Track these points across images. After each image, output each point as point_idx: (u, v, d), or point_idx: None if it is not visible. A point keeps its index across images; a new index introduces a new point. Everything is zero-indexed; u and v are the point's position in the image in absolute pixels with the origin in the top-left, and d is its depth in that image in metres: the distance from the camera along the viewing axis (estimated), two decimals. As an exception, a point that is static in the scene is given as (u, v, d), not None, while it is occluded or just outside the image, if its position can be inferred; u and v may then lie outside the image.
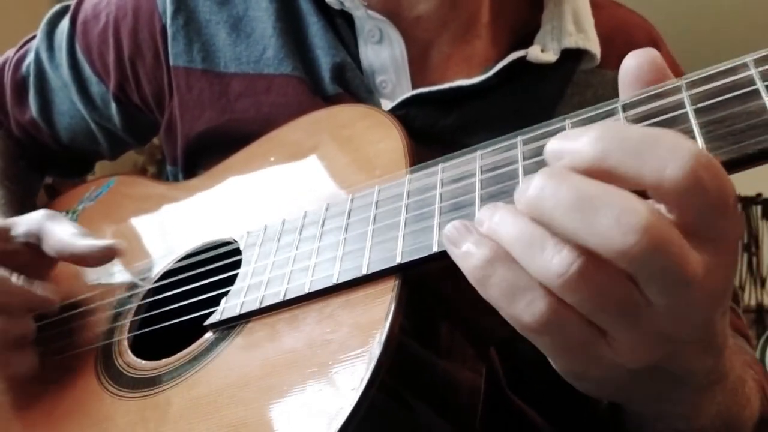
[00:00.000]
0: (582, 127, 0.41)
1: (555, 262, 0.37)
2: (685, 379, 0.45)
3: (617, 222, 0.35)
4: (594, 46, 0.73)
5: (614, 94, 0.75)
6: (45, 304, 0.67)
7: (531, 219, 0.39)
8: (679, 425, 0.51)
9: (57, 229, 0.67)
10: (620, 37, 0.78)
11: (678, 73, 0.79)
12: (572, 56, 0.73)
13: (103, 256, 0.65)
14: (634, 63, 0.44)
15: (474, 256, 0.41)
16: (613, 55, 0.76)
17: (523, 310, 0.39)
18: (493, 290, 0.40)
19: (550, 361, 0.45)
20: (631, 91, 0.44)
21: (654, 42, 0.81)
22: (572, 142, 0.39)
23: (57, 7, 0.92)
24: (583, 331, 0.40)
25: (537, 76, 0.73)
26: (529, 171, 0.47)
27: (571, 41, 0.72)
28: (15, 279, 0.64)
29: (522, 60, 0.71)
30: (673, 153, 0.36)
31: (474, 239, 0.41)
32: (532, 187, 0.38)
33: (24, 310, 0.65)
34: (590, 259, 0.37)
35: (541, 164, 0.46)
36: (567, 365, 0.44)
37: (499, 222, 0.41)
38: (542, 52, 0.72)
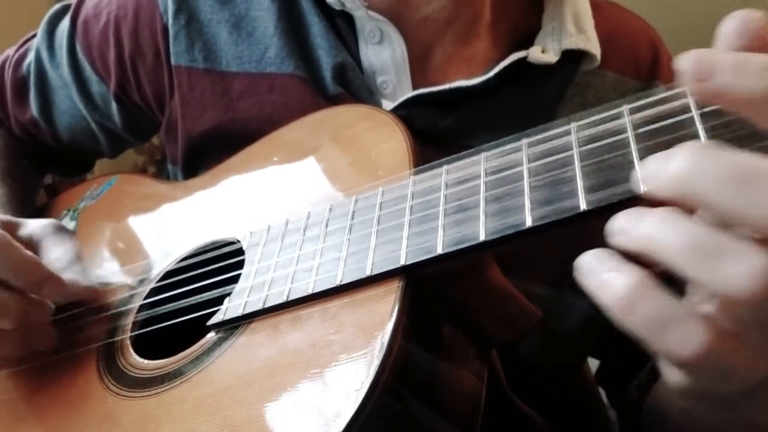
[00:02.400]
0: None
1: (744, 268, 0.33)
2: None
3: None
4: (594, 47, 0.73)
5: (615, 95, 0.76)
6: (56, 281, 0.64)
7: (698, 222, 0.34)
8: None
9: (50, 253, 0.66)
10: (620, 38, 0.79)
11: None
12: (573, 57, 0.73)
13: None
14: (735, 25, 0.39)
15: (614, 286, 0.36)
16: (613, 57, 0.76)
17: (679, 343, 0.35)
18: (639, 323, 0.36)
19: (685, 384, 0.40)
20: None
21: (654, 44, 0.81)
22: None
23: (57, 6, 0.92)
24: (744, 356, 0.36)
25: (537, 77, 0.73)
26: (534, 173, 0.47)
27: (572, 42, 0.72)
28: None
29: (522, 61, 0.71)
30: None
31: (611, 266, 0.37)
32: (678, 161, 0.35)
33: (39, 290, 0.63)
34: None
35: (547, 167, 0.47)
36: (708, 388, 0.40)
37: (656, 229, 0.36)
38: (543, 53, 0.72)
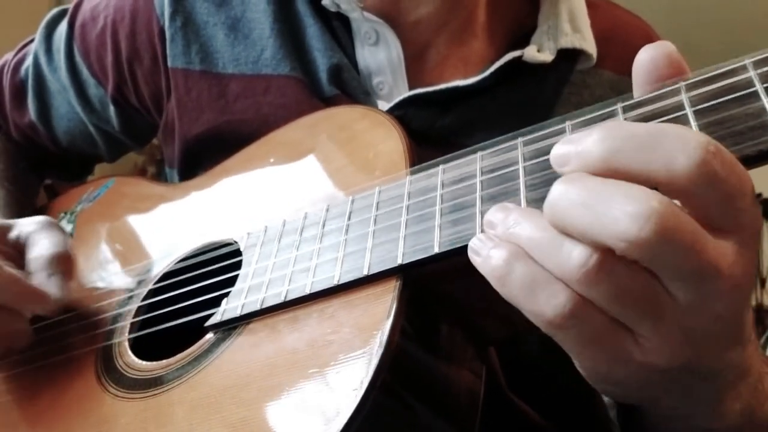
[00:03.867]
0: (585, 129, 0.41)
1: (575, 255, 0.38)
2: (711, 376, 0.44)
3: (623, 211, 0.36)
4: (590, 46, 0.73)
5: (611, 94, 0.76)
6: (39, 299, 0.64)
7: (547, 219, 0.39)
8: (700, 423, 0.49)
9: (35, 247, 0.66)
10: (617, 37, 0.79)
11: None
12: (569, 56, 0.73)
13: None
14: (648, 57, 0.44)
15: (492, 258, 0.41)
16: (610, 56, 0.76)
17: (545, 304, 0.39)
18: (512, 288, 0.41)
19: (575, 362, 0.44)
20: (646, 87, 0.44)
21: (651, 42, 0.81)
22: (577, 144, 0.39)
23: (55, 10, 0.92)
24: (607, 325, 0.40)
25: (534, 76, 0.73)
26: (530, 172, 0.47)
27: (567, 41, 0.72)
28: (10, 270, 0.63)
29: (518, 60, 0.71)
30: (681, 144, 0.36)
31: (492, 244, 0.42)
32: (549, 195, 0.39)
33: (18, 305, 0.63)
34: (609, 251, 0.37)
35: (542, 165, 0.47)
36: (592, 365, 0.43)
37: (514, 223, 0.42)
38: (538, 52, 0.72)
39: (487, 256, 0.42)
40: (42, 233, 0.67)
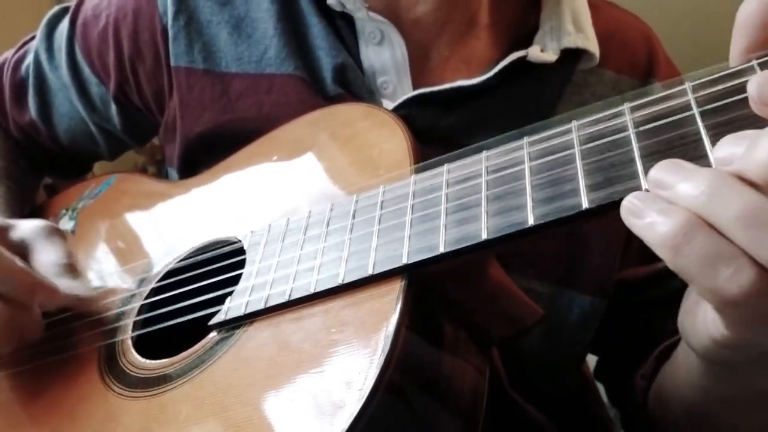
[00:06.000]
0: None
1: None
2: None
3: None
4: (593, 45, 0.74)
5: (612, 92, 0.76)
6: (49, 291, 0.64)
7: (756, 190, 0.36)
8: None
9: (42, 256, 0.66)
10: (617, 37, 0.79)
11: (675, 74, 0.80)
12: (571, 56, 0.73)
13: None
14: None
15: (663, 225, 0.38)
16: (611, 55, 0.77)
17: (728, 281, 0.36)
18: (687, 260, 0.37)
19: (727, 331, 0.42)
20: (751, 35, 0.41)
21: (650, 42, 0.81)
22: None
23: (56, 8, 0.92)
24: None
25: (537, 76, 0.73)
26: (536, 172, 0.47)
27: (571, 41, 0.72)
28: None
29: (522, 60, 0.71)
30: None
31: (659, 207, 0.38)
32: (758, 152, 0.35)
33: (28, 296, 0.63)
34: None
35: (548, 165, 0.47)
36: (757, 336, 0.41)
37: (697, 188, 0.37)
38: (542, 52, 0.72)
39: (653, 222, 0.38)
40: (44, 242, 0.67)
